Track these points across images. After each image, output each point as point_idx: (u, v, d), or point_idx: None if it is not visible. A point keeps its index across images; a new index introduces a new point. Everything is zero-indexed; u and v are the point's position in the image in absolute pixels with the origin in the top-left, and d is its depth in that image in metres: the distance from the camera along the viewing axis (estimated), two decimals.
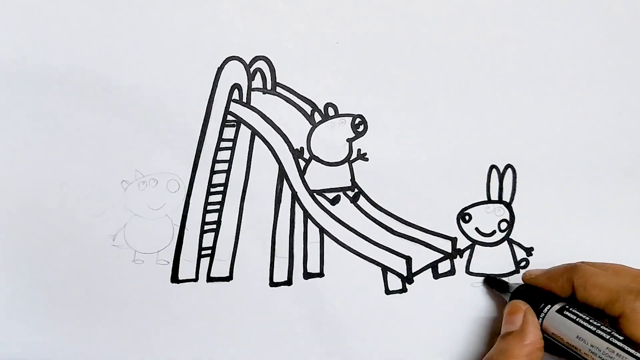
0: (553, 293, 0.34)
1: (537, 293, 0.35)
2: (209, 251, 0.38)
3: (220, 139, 0.38)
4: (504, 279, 0.38)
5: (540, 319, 0.33)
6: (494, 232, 0.39)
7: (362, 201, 0.39)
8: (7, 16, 0.37)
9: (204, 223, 0.38)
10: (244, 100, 0.38)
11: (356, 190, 0.39)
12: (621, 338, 0.31)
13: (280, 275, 0.38)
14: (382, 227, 0.39)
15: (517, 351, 0.32)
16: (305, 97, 0.38)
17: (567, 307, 0.33)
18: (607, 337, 0.31)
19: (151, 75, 0.38)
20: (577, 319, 0.32)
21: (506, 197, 0.39)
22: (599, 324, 0.32)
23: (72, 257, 0.37)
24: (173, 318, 0.38)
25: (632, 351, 0.30)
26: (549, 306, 0.34)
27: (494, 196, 0.39)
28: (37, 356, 0.38)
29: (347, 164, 0.39)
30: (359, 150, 0.39)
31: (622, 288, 0.31)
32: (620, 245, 0.40)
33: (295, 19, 0.38)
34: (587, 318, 0.32)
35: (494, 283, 0.38)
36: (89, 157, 0.37)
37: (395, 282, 0.39)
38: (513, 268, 0.39)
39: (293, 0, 0.38)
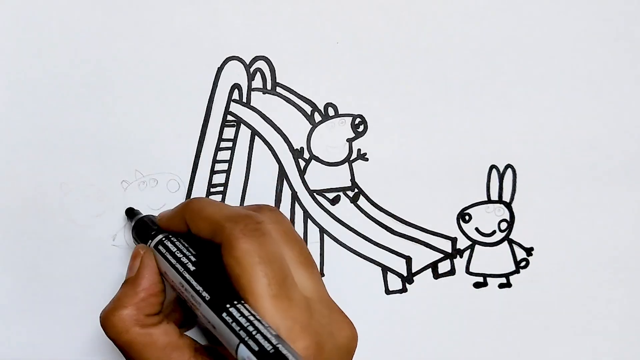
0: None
1: (145, 229, 0.34)
2: None
3: (220, 139, 0.38)
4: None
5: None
6: (494, 232, 0.39)
7: (362, 201, 0.39)
8: (7, 16, 0.37)
9: None
10: (244, 100, 0.38)
11: (356, 190, 0.39)
12: (192, 269, 0.30)
13: None
14: (382, 227, 0.39)
15: (129, 299, 0.30)
16: (305, 97, 0.38)
17: (169, 237, 0.32)
18: (182, 268, 0.30)
19: (151, 75, 0.38)
20: (168, 251, 0.31)
21: (506, 197, 0.39)
22: (185, 255, 0.31)
23: (72, 257, 0.37)
24: None
25: (195, 285, 0.29)
26: (153, 239, 0.32)
27: (494, 196, 0.39)
28: (37, 356, 0.38)
29: (347, 164, 0.39)
30: (359, 150, 0.39)
31: (225, 216, 0.29)
32: (620, 245, 0.40)
33: (295, 19, 0.38)
34: (179, 248, 0.31)
35: (129, 213, 0.36)
36: (89, 157, 0.37)
37: (395, 282, 0.39)
38: (513, 268, 0.39)
39: (293, 0, 0.38)
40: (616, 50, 0.39)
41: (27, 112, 0.37)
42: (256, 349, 0.26)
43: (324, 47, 0.38)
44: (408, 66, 0.39)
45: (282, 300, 0.28)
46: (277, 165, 0.38)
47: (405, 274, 0.39)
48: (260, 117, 0.38)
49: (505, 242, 0.39)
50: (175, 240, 0.32)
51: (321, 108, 0.39)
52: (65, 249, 0.37)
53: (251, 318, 0.27)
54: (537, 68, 0.39)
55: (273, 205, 0.38)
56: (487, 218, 0.39)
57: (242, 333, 0.26)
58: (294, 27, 0.38)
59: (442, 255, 0.39)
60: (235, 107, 0.38)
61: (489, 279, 0.39)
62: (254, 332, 0.26)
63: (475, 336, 0.39)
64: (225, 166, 0.38)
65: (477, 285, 0.39)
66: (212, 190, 0.38)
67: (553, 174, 0.39)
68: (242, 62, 0.38)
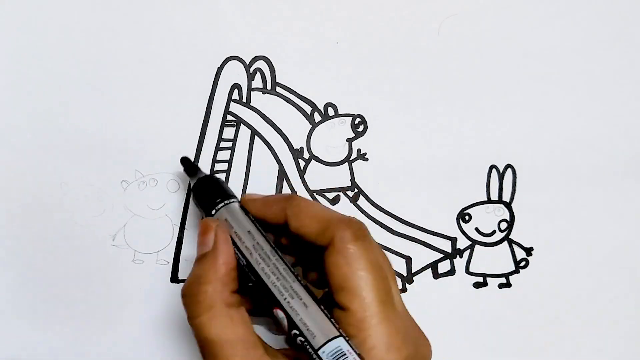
0: (227, 191, 0.32)
1: (215, 190, 0.32)
2: None
3: (220, 139, 0.38)
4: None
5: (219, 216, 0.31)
6: (493, 232, 0.39)
7: (362, 201, 0.39)
8: (7, 16, 0.37)
9: None
10: (244, 100, 0.38)
11: (356, 190, 0.39)
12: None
13: None
14: (382, 227, 0.39)
15: (211, 274, 0.29)
16: (305, 97, 0.38)
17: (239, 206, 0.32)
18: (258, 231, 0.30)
19: (151, 75, 0.38)
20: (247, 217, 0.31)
21: (506, 197, 0.39)
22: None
23: (71, 257, 0.37)
24: (173, 318, 0.38)
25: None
26: (224, 202, 0.31)
27: (494, 196, 0.39)
28: (37, 356, 0.38)
29: (347, 164, 0.39)
30: (359, 150, 0.39)
31: (335, 217, 0.30)
32: (620, 245, 0.40)
33: (295, 19, 0.38)
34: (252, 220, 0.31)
35: (186, 164, 0.35)
36: (89, 157, 0.37)
37: None
38: (513, 268, 0.39)
39: (293, 0, 0.38)
40: (616, 50, 0.39)
41: (27, 112, 0.37)
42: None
43: (324, 47, 0.38)
44: (408, 66, 0.39)
45: (388, 307, 0.28)
46: (277, 165, 0.38)
47: (405, 274, 0.39)
48: (260, 117, 0.38)
49: (505, 242, 0.39)
50: (243, 212, 0.31)
51: (321, 108, 0.39)
52: (65, 249, 0.37)
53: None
54: (537, 68, 0.39)
55: None
56: (487, 218, 0.39)
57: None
58: (294, 27, 0.38)
59: (442, 255, 0.39)
60: (235, 107, 0.38)
61: (488, 279, 0.39)
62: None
63: (475, 336, 0.39)
64: (225, 166, 0.38)
65: (477, 285, 0.39)
66: None
67: (553, 174, 0.39)
68: (242, 62, 0.38)
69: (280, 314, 0.28)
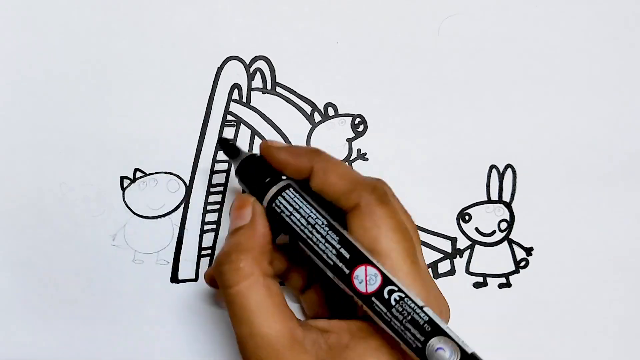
0: (280, 173, 0.31)
1: (263, 169, 0.31)
2: (209, 251, 0.38)
3: None
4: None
5: (265, 201, 0.30)
6: (494, 232, 0.39)
7: None
8: (7, 16, 0.37)
9: (204, 223, 0.38)
10: (244, 100, 0.38)
11: None
12: (341, 232, 0.29)
13: None
14: None
15: (249, 243, 0.29)
16: (305, 97, 0.38)
17: (292, 187, 0.30)
18: (322, 221, 0.29)
19: (151, 75, 0.38)
20: (299, 204, 0.30)
21: (506, 197, 0.39)
22: (317, 216, 0.29)
23: (71, 257, 0.37)
24: (173, 318, 0.38)
25: (352, 240, 0.28)
26: (275, 185, 0.30)
27: (494, 196, 0.39)
28: (37, 356, 0.38)
29: (347, 164, 0.39)
30: (359, 150, 0.39)
31: (362, 180, 0.29)
32: (620, 245, 0.40)
33: (295, 19, 0.38)
34: (307, 204, 0.30)
35: (226, 146, 0.33)
36: (89, 157, 0.37)
37: None
38: (513, 268, 0.39)
39: (293, 0, 0.38)
40: (616, 50, 0.39)
41: (27, 112, 0.37)
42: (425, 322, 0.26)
43: (324, 47, 0.38)
44: (408, 66, 0.39)
45: (417, 268, 0.28)
46: None
47: None
48: (260, 117, 0.38)
49: (505, 242, 0.39)
50: (297, 191, 0.30)
51: (321, 108, 0.39)
52: (65, 249, 0.37)
53: (397, 288, 0.27)
54: (537, 68, 0.39)
55: None
56: (487, 218, 0.39)
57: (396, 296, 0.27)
58: (294, 27, 0.38)
59: (442, 255, 0.39)
60: (235, 107, 0.38)
61: (488, 279, 0.39)
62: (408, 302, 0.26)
63: (475, 336, 0.39)
64: (225, 166, 0.38)
65: (477, 285, 0.39)
66: (212, 190, 0.38)
67: (553, 174, 0.39)
68: (242, 62, 0.38)
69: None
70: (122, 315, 0.37)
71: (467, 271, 0.39)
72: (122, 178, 0.38)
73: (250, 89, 0.38)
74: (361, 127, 0.39)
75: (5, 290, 0.37)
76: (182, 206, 0.38)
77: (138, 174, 0.38)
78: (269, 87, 0.38)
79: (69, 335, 0.38)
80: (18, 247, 0.37)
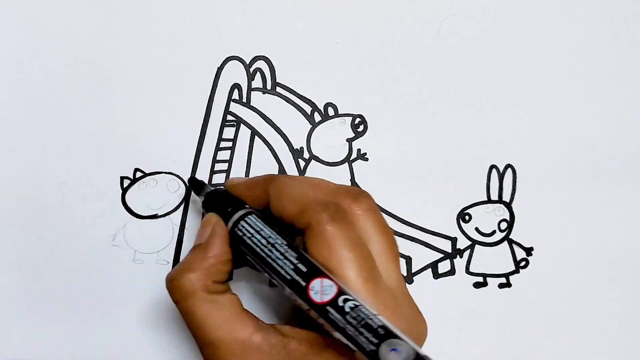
0: (244, 203, 0.33)
1: (227, 199, 0.33)
2: None
3: (220, 139, 0.38)
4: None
5: (229, 226, 0.32)
6: (494, 232, 0.39)
7: None
8: (7, 16, 0.37)
9: None
10: (244, 100, 0.38)
11: None
12: (295, 255, 0.29)
13: None
14: None
15: (198, 263, 0.30)
16: (305, 97, 0.38)
17: (254, 214, 0.31)
18: (280, 248, 0.30)
19: (151, 75, 0.38)
20: (261, 227, 0.31)
21: (506, 197, 0.39)
22: (277, 237, 0.30)
23: (71, 257, 0.37)
24: (173, 318, 0.38)
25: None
26: (237, 213, 0.32)
27: (494, 196, 0.39)
28: (37, 356, 0.38)
29: (347, 164, 0.39)
30: (359, 150, 0.39)
31: (313, 199, 0.30)
32: (620, 245, 0.40)
33: (295, 19, 0.38)
34: (268, 228, 0.31)
35: (193, 183, 0.36)
36: (88, 157, 0.37)
37: None
38: (513, 268, 0.39)
39: (293, 0, 0.38)
40: (616, 50, 0.39)
41: (27, 112, 0.37)
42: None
43: (324, 47, 0.38)
44: (408, 66, 0.39)
45: (372, 284, 0.28)
46: (277, 165, 0.38)
47: (405, 274, 0.39)
48: (260, 117, 0.38)
49: (505, 242, 0.39)
50: (259, 217, 0.31)
51: (321, 108, 0.39)
52: (65, 249, 0.37)
53: (351, 297, 0.27)
54: (536, 68, 0.39)
55: None
56: (487, 218, 0.39)
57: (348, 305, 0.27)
58: (294, 27, 0.38)
59: (442, 255, 0.39)
60: (235, 107, 0.38)
61: (489, 279, 0.39)
62: (358, 309, 0.27)
63: (475, 336, 0.39)
64: (225, 166, 0.38)
65: (477, 285, 0.39)
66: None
67: (553, 174, 0.39)
68: (242, 62, 0.38)
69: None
70: (122, 315, 0.37)
71: (467, 271, 0.39)
72: (122, 178, 0.38)
73: (250, 89, 0.38)
74: (361, 127, 0.39)
75: (5, 290, 0.37)
76: (182, 206, 0.38)
77: (138, 174, 0.38)
78: (269, 87, 0.38)
79: (68, 335, 0.38)
80: (18, 247, 0.37)
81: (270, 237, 0.30)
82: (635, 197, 0.40)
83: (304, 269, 0.29)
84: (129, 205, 0.38)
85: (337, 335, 0.27)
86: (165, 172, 0.38)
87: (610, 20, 0.39)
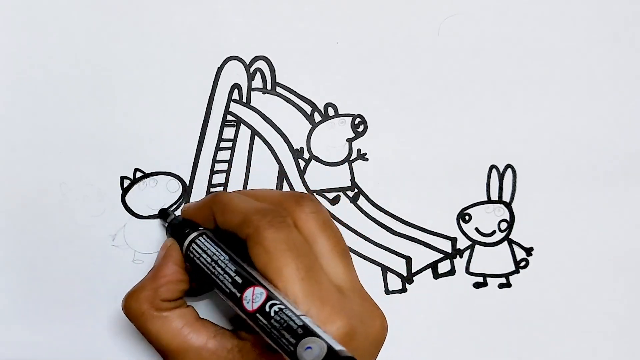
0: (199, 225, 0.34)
1: (184, 224, 0.34)
2: None
3: (220, 139, 0.38)
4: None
5: (184, 248, 0.33)
6: (493, 232, 0.39)
7: (362, 201, 0.39)
8: (7, 16, 0.37)
9: None
10: (244, 100, 0.38)
11: (356, 190, 0.39)
12: (234, 268, 0.30)
13: None
14: (382, 227, 0.39)
15: (149, 285, 0.32)
16: (305, 97, 0.38)
17: (204, 235, 0.33)
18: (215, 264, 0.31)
19: (151, 75, 0.38)
20: (207, 246, 0.32)
21: (506, 197, 0.39)
22: (221, 253, 0.31)
23: (71, 257, 0.37)
24: None
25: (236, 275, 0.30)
26: (189, 237, 0.33)
27: (494, 196, 0.39)
28: (37, 356, 0.38)
29: (347, 164, 0.39)
30: (359, 150, 0.39)
31: (252, 209, 0.30)
32: (620, 245, 0.40)
33: (295, 19, 0.38)
34: (214, 246, 0.32)
35: (162, 213, 0.37)
36: (88, 157, 0.37)
37: (395, 282, 0.39)
38: (513, 268, 0.39)
39: (293, 0, 0.38)
40: (616, 50, 0.39)
41: (27, 112, 0.37)
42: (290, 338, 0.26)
43: (324, 47, 0.38)
44: (408, 66, 0.39)
45: (311, 283, 0.29)
46: (277, 165, 0.38)
47: (405, 274, 0.39)
48: (260, 117, 0.38)
49: (505, 242, 0.39)
50: (209, 237, 0.33)
51: (321, 108, 0.39)
52: (65, 249, 0.37)
53: (278, 301, 0.28)
54: (536, 68, 0.39)
55: None
56: (487, 218, 0.39)
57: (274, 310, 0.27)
58: (294, 27, 0.38)
59: (442, 255, 0.39)
60: (235, 107, 0.38)
61: (488, 279, 0.39)
62: (282, 310, 0.27)
63: (475, 336, 0.39)
64: (225, 166, 0.38)
65: (477, 285, 0.39)
66: (212, 190, 0.38)
67: (553, 174, 0.39)
68: (242, 62, 0.38)
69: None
70: (122, 315, 0.37)
71: (467, 271, 0.39)
72: (122, 178, 0.38)
73: (250, 89, 0.38)
74: (361, 127, 0.39)
75: (5, 290, 0.37)
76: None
77: (138, 174, 0.38)
78: (269, 87, 0.38)
79: (68, 335, 0.38)
80: (18, 247, 0.37)
81: (214, 254, 0.31)
82: (635, 197, 0.40)
83: (240, 281, 0.30)
84: (129, 206, 0.38)
85: (267, 339, 0.28)
86: (165, 173, 0.38)
87: (610, 20, 0.39)
